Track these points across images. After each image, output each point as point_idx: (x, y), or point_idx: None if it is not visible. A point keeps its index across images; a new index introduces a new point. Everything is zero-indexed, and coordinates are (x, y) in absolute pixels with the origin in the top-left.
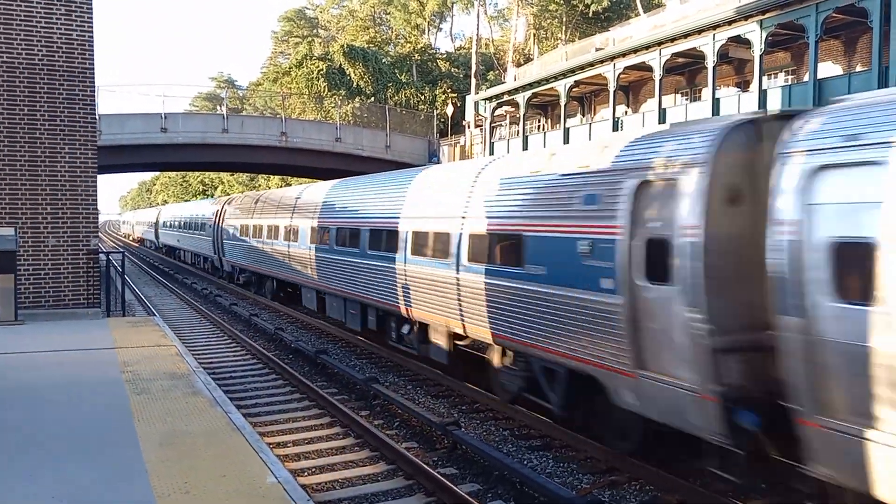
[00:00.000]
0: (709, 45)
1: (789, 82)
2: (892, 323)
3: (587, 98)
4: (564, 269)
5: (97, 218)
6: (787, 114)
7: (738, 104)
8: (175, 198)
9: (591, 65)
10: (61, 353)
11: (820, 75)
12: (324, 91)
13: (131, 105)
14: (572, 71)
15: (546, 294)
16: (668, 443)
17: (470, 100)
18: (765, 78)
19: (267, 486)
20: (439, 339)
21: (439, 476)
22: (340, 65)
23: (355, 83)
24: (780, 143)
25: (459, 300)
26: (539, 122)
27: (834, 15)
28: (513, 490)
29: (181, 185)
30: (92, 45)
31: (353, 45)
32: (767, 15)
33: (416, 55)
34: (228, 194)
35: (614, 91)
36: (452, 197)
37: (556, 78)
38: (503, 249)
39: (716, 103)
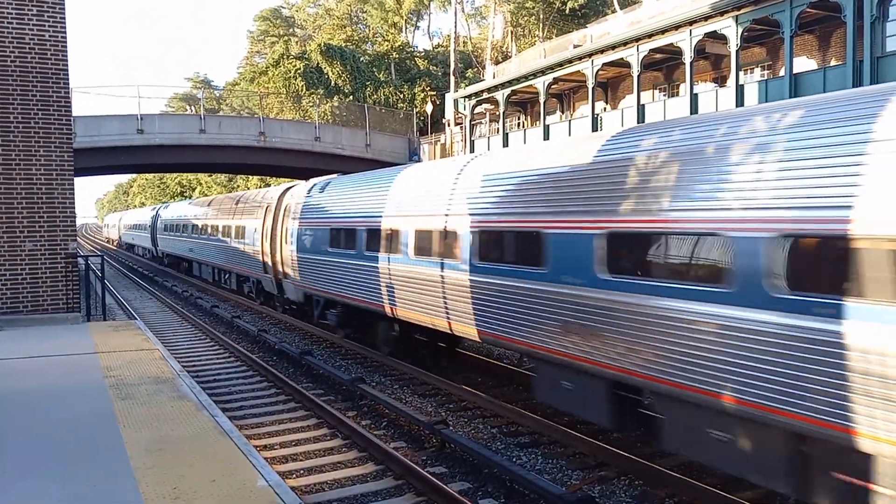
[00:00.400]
0: (685, 41)
1: (765, 77)
2: None
3: (566, 95)
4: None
5: (75, 221)
6: None
7: (716, 99)
8: (153, 199)
9: (570, 62)
10: (41, 359)
11: (795, 70)
12: (302, 90)
13: (107, 107)
14: (551, 68)
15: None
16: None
17: (449, 98)
18: (741, 73)
19: (258, 489)
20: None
21: (429, 475)
22: (318, 64)
23: (333, 82)
24: None
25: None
26: (519, 119)
27: (808, 10)
28: (503, 487)
29: (158, 186)
30: (65, 46)
31: (330, 44)
32: (743, 10)
33: (394, 53)
34: (207, 195)
35: (593, 88)
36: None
37: (534, 75)
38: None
39: (694, 99)
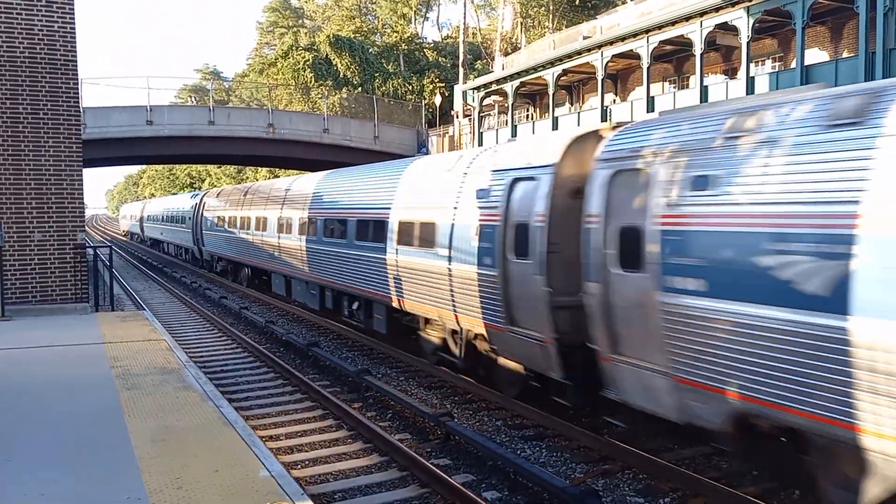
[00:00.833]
0: (696, 33)
1: (777, 69)
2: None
3: (575, 87)
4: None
5: (83, 212)
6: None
7: (726, 91)
8: (163, 191)
9: (579, 53)
10: (49, 348)
11: (807, 62)
12: (310, 82)
13: (116, 98)
14: (560, 59)
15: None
16: (661, 433)
17: (458, 89)
18: (752, 65)
19: (260, 479)
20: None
21: (433, 467)
22: (327, 55)
23: (342, 74)
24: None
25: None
26: (528, 111)
27: (820, 1)
28: (506, 480)
29: (168, 178)
30: (74, 37)
31: (339, 36)
32: (754, 1)
33: (403, 45)
34: (216, 186)
35: (602, 79)
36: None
37: (543, 67)
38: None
39: (704, 91)
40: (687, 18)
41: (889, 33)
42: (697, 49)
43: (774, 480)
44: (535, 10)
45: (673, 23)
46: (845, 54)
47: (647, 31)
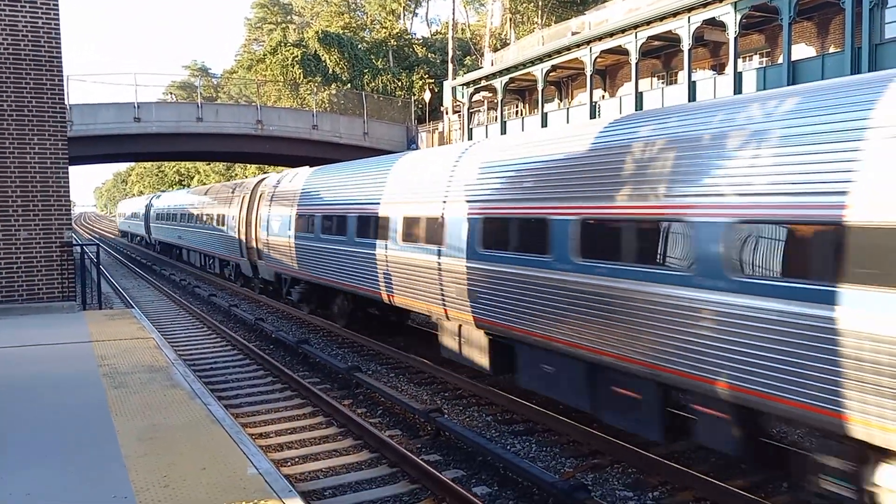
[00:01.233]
0: (684, 28)
1: (764, 65)
2: None
3: (564, 82)
4: None
5: (70, 210)
6: None
7: (714, 87)
8: (151, 188)
9: (568, 49)
10: (36, 347)
11: (794, 57)
12: (299, 78)
13: (103, 95)
14: (549, 55)
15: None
16: None
17: (447, 85)
18: (740, 60)
19: (248, 477)
20: None
21: (423, 463)
22: (315, 51)
23: (331, 70)
24: None
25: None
26: (517, 107)
27: None
28: (496, 475)
29: (157, 175)
30: (59, 34)
31: (327, 31)
32: None
33: (392, 41)
34: (205, 183)
35: (591, 75)
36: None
37: (532, 63)
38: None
39: (692, 86)
40: (675, 14)
41: (875, 29)
42: (685, 45)
43: (762, 473)
44: (524, 5)
45: (661, 18)
46: (832, 49)
47: (636, 26)
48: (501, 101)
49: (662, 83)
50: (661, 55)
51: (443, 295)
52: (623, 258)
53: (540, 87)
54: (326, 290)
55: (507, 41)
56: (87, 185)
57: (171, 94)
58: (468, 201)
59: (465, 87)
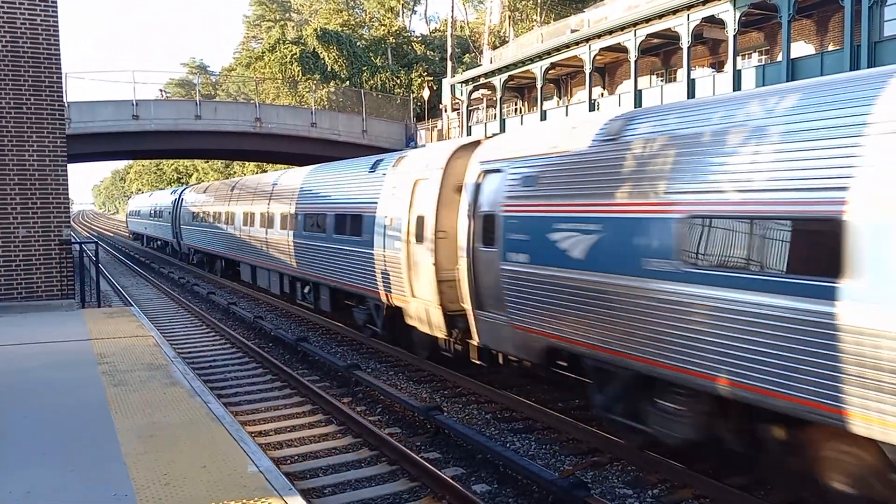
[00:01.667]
0: (683, 26)
1: (763, 62)
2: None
3: (563, 80)
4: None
5: (69, 208)
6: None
7: (713, 85)
8: (150, 186)
9: (567, 46)
10: (35, 345)
11: (793, 55)
12: (298, 75)
13: (102, 92)
14: (548, 53)
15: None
16: None
17: (446, 83)
18: (739, 58)
19: (248, 475)
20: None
21: (423, 461)
22: (314, 49)
23: (330, 67)
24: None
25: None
26: (516, 104)
27: None
28: (496, 473)
29: (155, 173)
30: (57, 31)
31: (326, 29)
32: None
33: (391, 38)
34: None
35: (590, 73)
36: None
37: (532, 60)
38: None
39: (691, 84)
40: (674, 12)
41: (874, 26)
42: (685, 42)
43: (761, 472)
44: (523, 3)
45: (660, 16)
46: (831, 47)
47: (635, 24)
48: (500, 98)
49: (661, 81)
50: (661, 53)
51: None
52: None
53: (539, 84)
54: None
55: (506, 39)
56: (85, 182)
57: (161, 91)
58: None
59: (463, 84)
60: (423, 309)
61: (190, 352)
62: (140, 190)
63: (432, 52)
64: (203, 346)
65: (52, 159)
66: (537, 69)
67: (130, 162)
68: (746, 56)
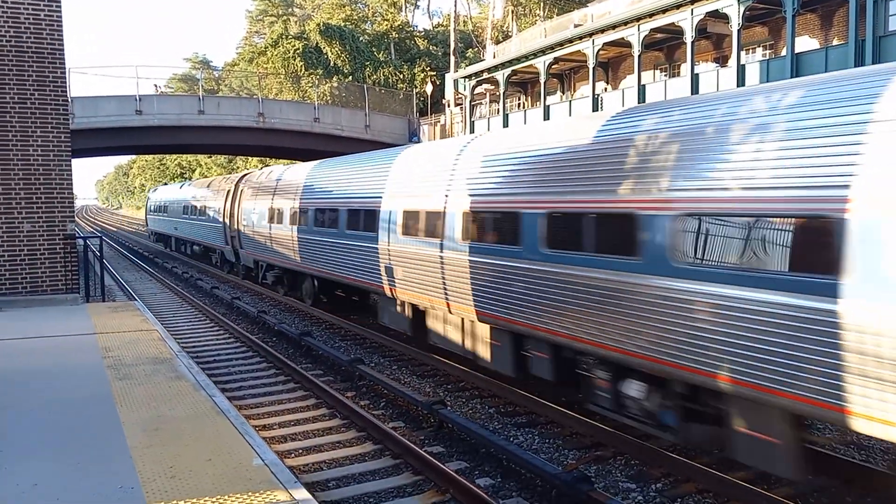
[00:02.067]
0: (687, 21)
1: (767, 57)
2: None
3: (567, 75)
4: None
5: (73, 202)
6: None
7: (717, 80)
8: (153, 181)
9: (570, 41)
10: (40, 339)
11: (797, 49)
12: (301, 71)
13: (105, 88)
14: (551, 48)
15: None
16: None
17: (449, 78)
18: (743, 53)
19: (254, 468)
20: None
21: (426, 455)
22: (317, 44)
23: (332, 62)
24: None
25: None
26: (519, 99)
27: None
28: (499, 467)
29: (158, 168)
30: (61, 25)
31: (329, 24)
32: None
33: (394, 33)
34: (206, 176)
35: (594, 68)
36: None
37: (535, 55)
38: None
39: (695, 79)
40: (678, 6)
41: (879, 21)
42: (688, 37)
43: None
44: None
45: (664, 10)
46: (835, 42)
47: (639, 19)
48: (504, 93)
49: (665, 76)
50: (664, 47)
51: None
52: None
53: (542, 79)
54: None
55: (510, 33)
56: (88, 178)
57: (156, 86)
58: None
59: (466, 79)
60: None
61: (194, 346)
62: (144, 185)
63: (435, 47)
64: (207, 340)
65: (56, 154)
66: (540, 64)
67: (134, 157)
68: (750, 51)
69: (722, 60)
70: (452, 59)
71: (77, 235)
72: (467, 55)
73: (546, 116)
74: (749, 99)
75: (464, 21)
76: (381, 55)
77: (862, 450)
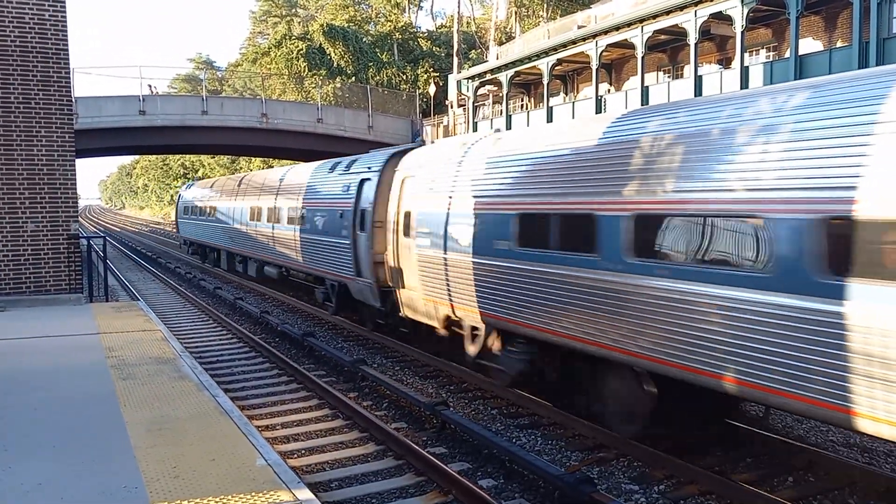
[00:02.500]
0: (690, 22)
1: (771, 59)
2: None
3: (570, 76)
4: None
5: (77, 202)
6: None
7: (721, 82)
8: (156, 181)
9: (574, 43)
10: (44, 339)
11: (801, 51)
12: (304, 71)
13: (108, 88)
14: (554, 49)
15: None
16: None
17: (452, 79)
18: (746, 55)
19: (257, 468)
20: None
21: (429, 456)
22: (320, 44)
23: (336, 63)
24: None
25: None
26: (522, 100)
27: None
28: (502, 468)
29: (161, 168)
30: (65, 25)
31: (332, 25)
32: None
33: (397, 34)
34: (210, 177)
35: (597, 69)
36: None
37: (538, 56)
38: None
39: (698, 81)
40: (681, 8)
41: (883, 23)
42: (692, 39)
43: (767, 468)
44: None
45: (667, 12)
46: (839, 44)
47: (642, 20)
48: (507, 94)
49: (668, 77)
50: (668, 49)
51: None
52: None
53: (545, 80)
54: None
55: (513, 35)
56: (92, 178)
57: (150, 87)
58: None
59: (470, 80)
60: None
61: (197, 346)
62: (147, 185)
63: (438, 48)
64: (210, 340)
65: (60, 154)
66: (544, 65)
67: (137, 157)
68: (754, 53)
69: (725, 62)
70: (455, 60)
71: (81, 235)
72: (470, 56)
73: (549, 118)
74: None
75: (467, 22)
76: (384, 56)
77: (865, 452)
